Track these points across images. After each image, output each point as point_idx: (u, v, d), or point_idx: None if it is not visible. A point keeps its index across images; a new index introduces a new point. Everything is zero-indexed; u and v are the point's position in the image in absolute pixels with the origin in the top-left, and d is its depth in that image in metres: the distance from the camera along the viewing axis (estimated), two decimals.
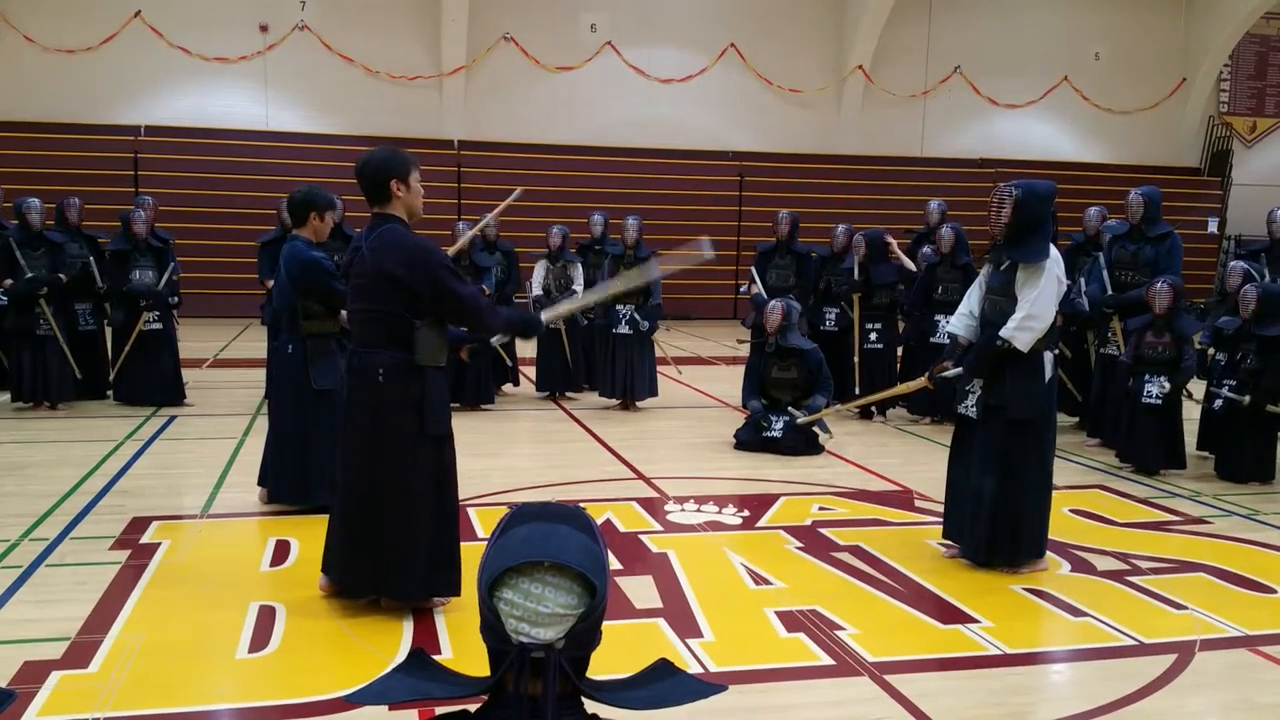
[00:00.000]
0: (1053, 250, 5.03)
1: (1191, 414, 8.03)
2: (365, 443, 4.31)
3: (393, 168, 4.31)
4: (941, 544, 5.54)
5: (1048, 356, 5.08)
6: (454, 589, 4.43)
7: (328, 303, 5.66)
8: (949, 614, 4.60)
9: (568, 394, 10.00)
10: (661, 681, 1.56)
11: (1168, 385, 7.25)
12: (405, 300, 4.20)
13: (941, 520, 5.98)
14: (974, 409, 5.14)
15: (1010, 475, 5.04)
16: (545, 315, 4.79)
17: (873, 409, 8.82)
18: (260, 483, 6.03)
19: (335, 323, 5.76)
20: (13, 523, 5.59)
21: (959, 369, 5.25)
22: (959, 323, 5.35)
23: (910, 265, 9.44)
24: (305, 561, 5.01)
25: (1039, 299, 4.92)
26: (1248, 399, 7.06)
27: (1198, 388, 7.99)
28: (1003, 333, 4.97)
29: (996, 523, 5.07)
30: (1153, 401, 7.31)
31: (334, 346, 5.76)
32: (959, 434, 5.34)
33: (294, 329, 5.68)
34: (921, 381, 5.69)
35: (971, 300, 5.34)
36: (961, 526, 5.26)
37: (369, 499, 4.31)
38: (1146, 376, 7.36)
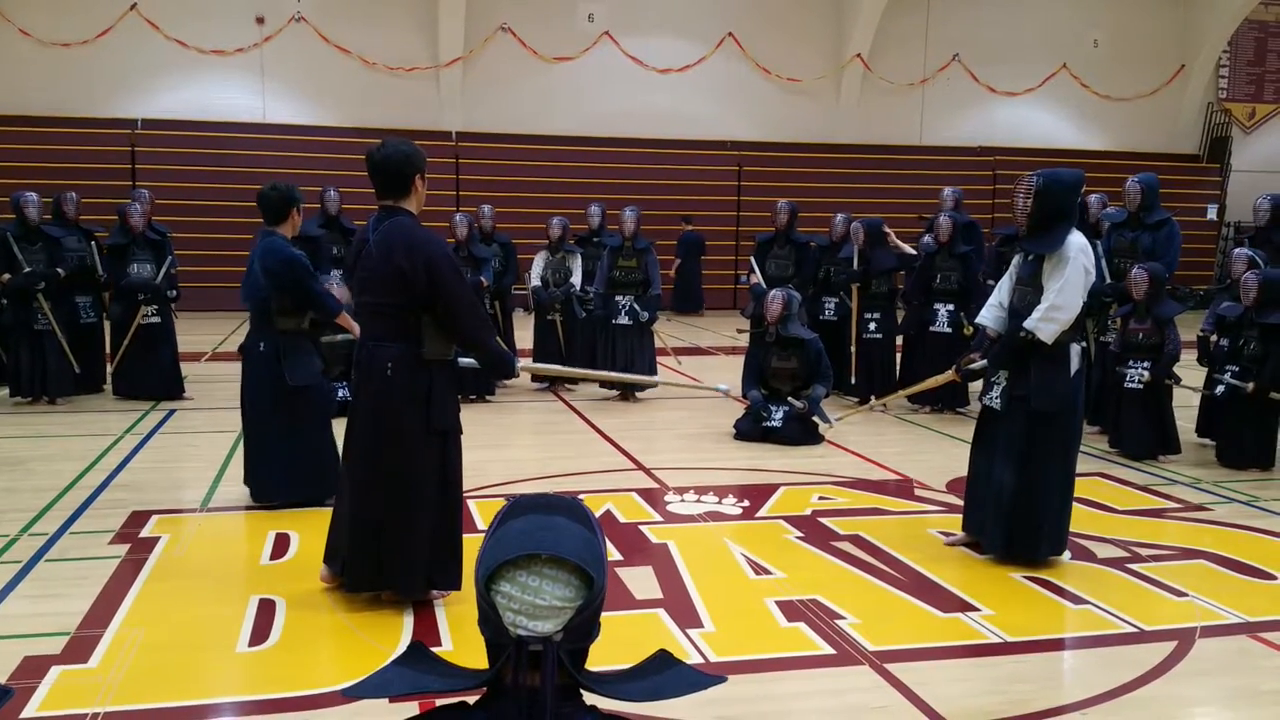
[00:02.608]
0: (1080, 240, 4.93)
1: (1191, 401, 8.04)
2: (372, 436, 4.30)
3: (418, 162, 4.31)
4: (943, 533, 5.54)
5: (1074, 349, 5.00)
6: (454, 583, 4.42)
7: (302, 303, 5.63)
8: (949, 602, 4.60)
9: (565, 385, 9.99)
10: (660, 673, 1.56)
11: (1147, 372, 7.28)
12: (411, 293, 4.19)
13: (942, 509, 6.00)
14: (998, 400, 5.09)
15: (1030, 468, 4.99)
16: (522, 365, 4.85)
17: (872, 398, 8.83)
18: (245, 482, 5.98)
19: (305, 320, 5.73)
20: (12, 518, 5.59)
21: (985, 361, 5.21)
22: (989, 314, 5.29)
23: (910, 251, 9.41)
24: (305, 554, 5.01)
25: (1064, 289, 4.84)
26: (1251, 386, 7.06)
27: (1198, 375, 7.99)
28: (1026, 324, 4.90)
29: (1015, 516, 5.02)
30: (1136, 386, 7.36)
31: (307, 343, 5.74)
32: (982, 425, 5.29)
33: (264, 326, 5.66)
34: (949, 374, 5.63)
35: (1002, 291, 5.26)
36: (982, 520, 5.20)
37: (375, 493, 4.29)
38: (1130, 362, 7.40)
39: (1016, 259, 5.25)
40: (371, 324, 4.34)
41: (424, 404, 4.25)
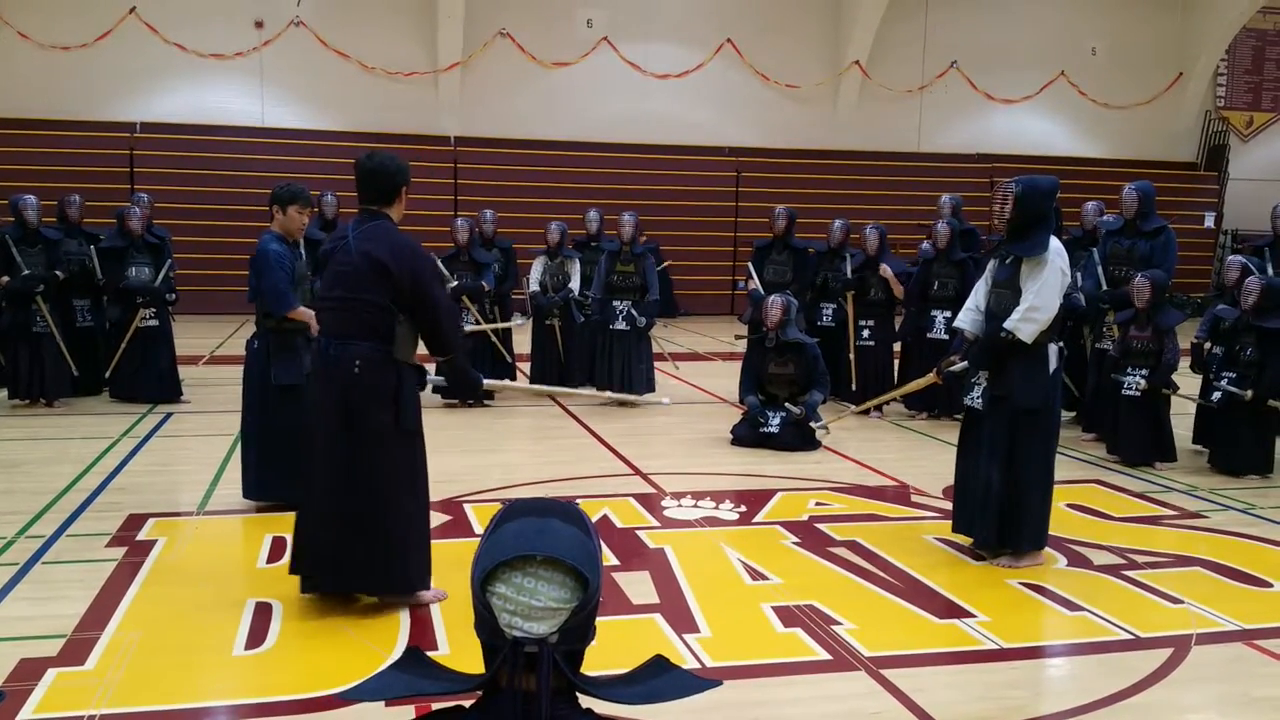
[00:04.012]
0: (1055, 242, 5.06)
1: (1186, 408, 8.05)
2: (339, 436, 4.25)
3: (406, 174, 4.45)
4: (939, 539, 5.55)
5: (1052, 348, 5.11)
6: (425, 582, 4.45)
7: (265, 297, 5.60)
8: (946, 608, 4.61)
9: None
10: (656, 677, 1.57)
11: (1144, 380, 7.30)
12: (390, 292, 4.22)
13: (939, 515, 6.01)
14: (979, 400, 5.19)
15: (1014, 465, 5.10)
16: (489, 383, 5.02)
17: (863, 404, 8.85)
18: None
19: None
20: (9, 520, 5.58)
21: (966, 363, 5.28)
22: (966, 317, 5.39)
23: (897, 288, 9.27)
24: None
25: (1042, 290, 4.96)
26: (1249, 393, 7.05)
27: (1193, 382, 8.01)
28: (1007, 324, 5.01)
29: (1003, 512, 5.12)
30: (1134, 394, 7.37)
31: (300, 342, 5.70)
32: (966, 426, 5.39)
33: (259, 322, 5.69)
34: (930, 377, 5.71)
35: (978, 295, 5.38)
36: (970, 518, 5.28)
37: (343, 493, 4.26)
38: (1129, 370, 7.42)
39: (992, 263, 5.36)
40: (339, 321, 4.30)
41: (393, 403, 4.26)
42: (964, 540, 5.41)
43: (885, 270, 9.15)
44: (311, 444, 4.41)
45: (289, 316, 5.63)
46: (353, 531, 4.28)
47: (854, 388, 9.20)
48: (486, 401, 9.35)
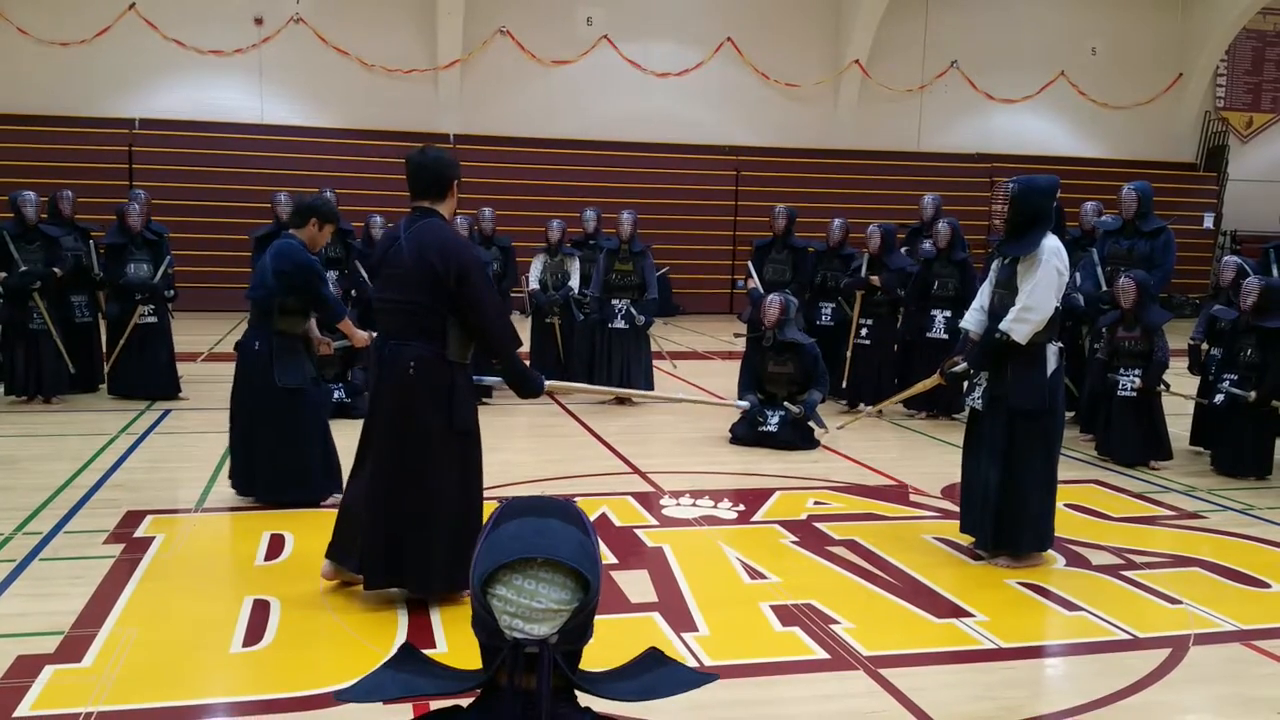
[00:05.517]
0: (1052, 242, 5.04)
1: (1185, 409, 8.04)
2: (393, 435, 4.31)
3: (457, 168, 4.44)
4: (938, 539, 5.55)
5: (1051, 349, 5.10)
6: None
7: (314, 308, 5.71)
8: (944, 608, 4.61)
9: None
10: (652, 672, 1.56)
11: (1138, 380, 7.30)
12: (440, 293, 4.22)
13: (937, 515, 6.01)
14: (980, 401, 5.20)
15: (1013, 465, 5.09)
16: (549, 384, 4.90)
17: (862, 403, 8.85)
18: (230, 476, 6.00)
19: (304, 323, 5.78)
20: (6, 516, 5.57)
21: (966, 363, 5.29)
22: (972, 318, 5.40)
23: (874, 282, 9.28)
24: (300, 555, 5.00)
25: (1035, 290, 4.96)
26: (1253, 395, 7.04)
27: (1189, 384, 8.00)
28: (1001, 325, 5.02)
29: (1001, 513, 5.12)
30: (1128, 394, 7.37)
31: (300, 347, 5.77)
32: (969, 427, 5.39)
33: (264, 325, 5.68)
34: (935, 379, 5.71)
35: (983, 295, 5.38)
36: (974, 518, 5.29)
37: (395, 491, 4.30)
38: (1121, 370, 7.41)
39: (995, 263, 5.34)
40: (394, 322, 4.35)
41: (446, 404, 4.27)
42: (966, 540, 5.41)
43: (875, 279, 9.14)
44: (365, 441, 4.44)
45: (339, 327, 5.92)
46: (405, 530, 4.30)
47: (844, 385, 9.18)
48: (485, 399, 9.34)
